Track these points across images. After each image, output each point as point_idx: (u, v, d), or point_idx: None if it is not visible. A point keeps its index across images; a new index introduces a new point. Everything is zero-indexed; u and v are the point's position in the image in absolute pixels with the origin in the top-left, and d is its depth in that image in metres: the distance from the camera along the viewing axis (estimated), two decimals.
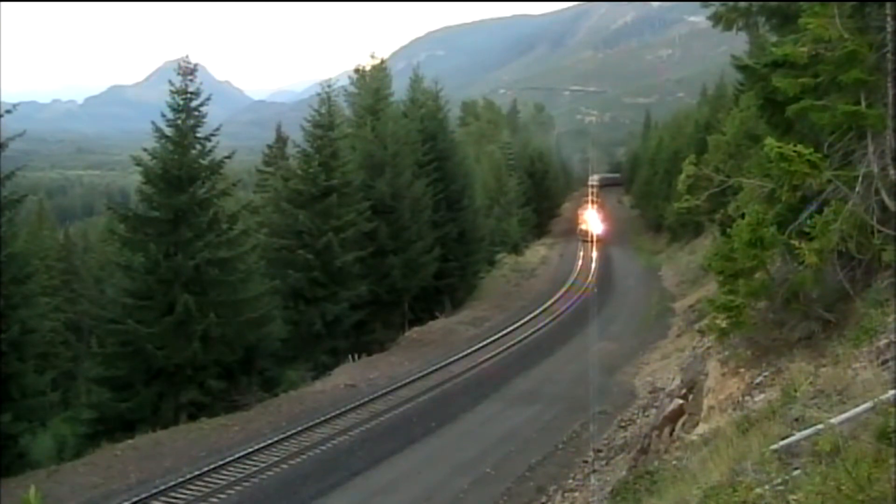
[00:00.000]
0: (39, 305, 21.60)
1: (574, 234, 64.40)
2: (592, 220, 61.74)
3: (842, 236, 8.37)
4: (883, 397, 5.13)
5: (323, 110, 29.91)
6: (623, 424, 17.31)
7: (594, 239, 53.35)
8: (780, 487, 4.82)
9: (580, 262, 50.65)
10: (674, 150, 55.23)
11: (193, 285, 21.30)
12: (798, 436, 5.43)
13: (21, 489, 13.63)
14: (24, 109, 27.22)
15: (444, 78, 46.70)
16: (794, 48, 9.26)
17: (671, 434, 11.18)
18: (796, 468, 5.01)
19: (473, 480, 14.95)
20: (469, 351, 26.50)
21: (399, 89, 39.85)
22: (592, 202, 66.98)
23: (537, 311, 34.71)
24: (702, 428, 9.50)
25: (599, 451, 15.59)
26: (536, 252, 59.27)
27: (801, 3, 10.22)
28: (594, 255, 48.55)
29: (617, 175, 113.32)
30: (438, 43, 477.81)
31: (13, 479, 15.96)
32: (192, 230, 21.67)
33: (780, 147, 8.43)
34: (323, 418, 18.49)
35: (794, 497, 4.54)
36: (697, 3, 18.52)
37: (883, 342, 7.15)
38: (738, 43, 24.73)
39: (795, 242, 8.70)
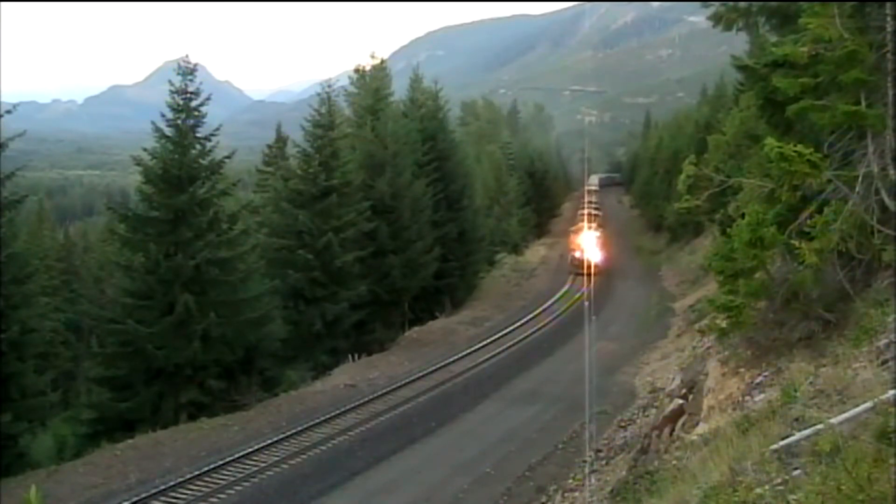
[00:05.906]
0: (39, 305, 21.63)
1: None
2: (589, 245, 45.08)
3: (842, 236, 8.38)
4: (883, 397, 5.13)
5: (323, 110, 29.92)
6: (623, 424, 17.31)
7: (591, 271, 39.21)
8: (780, 487, 4.82)
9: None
10: (674, 150, 55.13)
11: (193, 285, 21.30)
12: (798, 436, 5.43)
13: (21, 489, 13.65)
14: (24, 109, 27.28)
15: (444, 78, 46.73)
16: (794, 48, 9.28)
17: (671, 434, 11.18)
18: (796, 468, 5.01)
19: (473, 480, 14.96)
20: (469, 351, 26.50)
21: (399, 89, 39.88)
22: (590, 216, 48.68)
23: (537, 311, 34.72)
24: (702, 428, 9.50)
25: (599, 451, 15.59)
26: (536, 252, 59.21)
27: (801, 3, 10.23)
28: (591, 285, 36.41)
29: (617, 175, 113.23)
30: (438, 43, 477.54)
31: (13, 479, 15.99)
32: (192, 230, 21.66)
33: (780, 147, 8.44)
34: (323, 418, 18.49)
35: (794, 497, 4.54)
36: (697, 3, 18.49)
37: (883, 342, 7.15)
38: (738, 43, 24.73)
39: (795, 242, 8.71)
